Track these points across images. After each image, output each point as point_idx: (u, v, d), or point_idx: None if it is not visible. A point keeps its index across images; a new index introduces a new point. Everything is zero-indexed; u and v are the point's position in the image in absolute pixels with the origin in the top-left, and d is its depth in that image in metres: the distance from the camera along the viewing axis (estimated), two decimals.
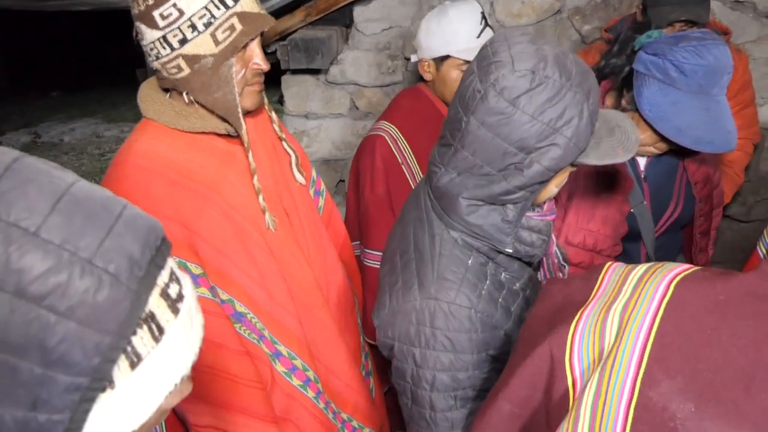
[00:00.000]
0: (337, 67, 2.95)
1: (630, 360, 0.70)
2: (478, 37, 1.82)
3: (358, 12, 2.88)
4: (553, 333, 0.79)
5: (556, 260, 1.30)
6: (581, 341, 0.76)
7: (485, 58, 0.97)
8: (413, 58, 1.99)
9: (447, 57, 1.84)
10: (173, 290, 0.61)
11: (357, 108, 3.07)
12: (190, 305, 0.62)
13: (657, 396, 0.67)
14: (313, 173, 1.66)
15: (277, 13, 2.77)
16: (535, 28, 2.83)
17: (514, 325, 1.10)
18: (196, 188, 1.29)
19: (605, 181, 1.56)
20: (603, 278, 0.82)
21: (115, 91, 8.85)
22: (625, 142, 1.02)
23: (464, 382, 1.07)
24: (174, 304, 0.60)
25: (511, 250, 1.06)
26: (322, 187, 1.69)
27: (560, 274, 1.33)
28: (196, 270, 1.26)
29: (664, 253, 1.73)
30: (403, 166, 1.89)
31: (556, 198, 1.60)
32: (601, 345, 0.74)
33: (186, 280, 0.64)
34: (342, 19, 2.88)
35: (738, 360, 0.66)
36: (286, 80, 3.01)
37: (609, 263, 0.87)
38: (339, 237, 1.74)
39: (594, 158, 1.00)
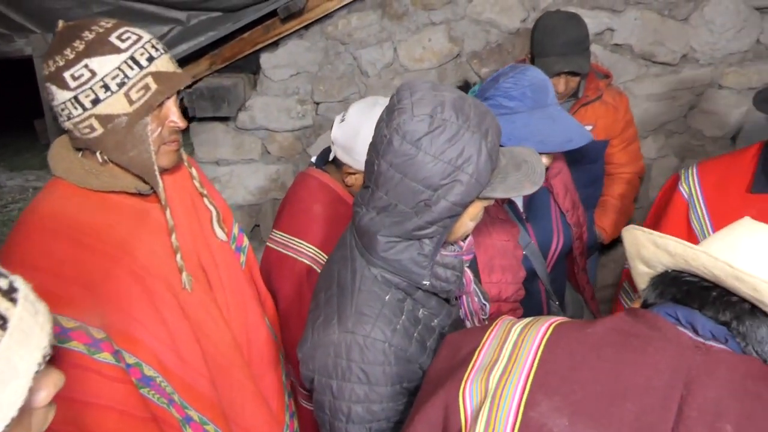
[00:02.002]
0: (246, 114, 2.95)
1: (516, 388, 0.81)
2: None
3: (265, 59, 2.91)
4: (450, 380, 0.89)
5: (476, 299, 1.35)
6: (472, 384, 0.86)
7: (391, 106, 1.06)
8: (333, 152, 1.72)
9: None
10: (3, 283, 0.65)
11: (269, 153, 3.07)
12: (26, 294, 0.66)
13: (537, 415, 0.78)
14: (235, 229, 1.63)
15: (183, 62, 2.75)
16: (438, 71, 2.96)
17: (429, 359, 1.15)
18: (104, 249, 1.25)
19: (496, 232, 1.64)
20: (492, 330, 0.93)
21: (17, 138, 8.39)
22: (531, 176, 1.11)
23: (379, 414, 1.11)
24: (8, 294, 0.64)
25: (427, 283, 1.12)
26: (245, 242, 1.66)
27: (481, 314, 1.38)
28: (99, 334, 1.22)
29: (557, 285, 1.82)
30: None
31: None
32: (487, 385, 0.84)
33: (13, 276, 0.68)
34: (249, 66, 2.90)
35: (603, 379, 0.78)
36: (194, 128, 2.98)
37: (499, 318, 0.96)
38: (261, 294, 1.72)
39: (501, 192, 1.08)
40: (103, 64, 1.18)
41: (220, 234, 1.49)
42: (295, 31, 2.84)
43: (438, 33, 2.88)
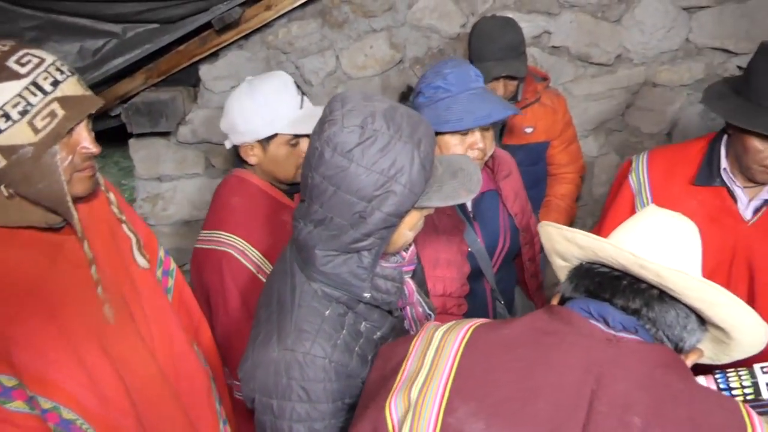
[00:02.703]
0: (186, 127, 2.88)
1: (436, 396, 0.82)
2: (301, 107, 1.73)
3: (205, 71, 2.85)
4: (379, 393, 0.90)
5: (420, 309, 1.34)
6: (397, 396, 0.86)
7: (323, 118, 1.06)
8: (227, 144, 1.80)
9: (274, 136, 1.70)
10: None
11: (213, 166, 3.01)
12: None
13: (454, 421, 0.79)
14: (161, 253, 1.57)
15: (117, 76, 2.67)
16: (381, 78, 2.96)
17: None
18: (13, 289, 1.18)
19: (442, 227, 1.65)
20: (417, 338, 0.93)
21: None
22: (467, 183, 1.11)
23: None
24: None
25: (368, 295, 1.11)
26: (172, 266, 1.60)
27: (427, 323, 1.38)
28: (9, 382, 1.14)
29: (504, 285, 1.84)
30: (259, 275, 1.71)
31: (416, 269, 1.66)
32: (410, 394, 0.85)
33: None
34: (187, 79, 2.83)
35: (518, 380, 0.80)
36: (134, 144, 2.89)
37: (425, 325, 0.97)
38: (193, 318, 1.66)
39: (437, 200, 1.08)
40: (2, 92, 1.10)
41: (142, 262, 1.43)
42: (234, 42, 2.79)
43: (379, 40, 2.88)
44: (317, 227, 1.07)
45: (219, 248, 1.71)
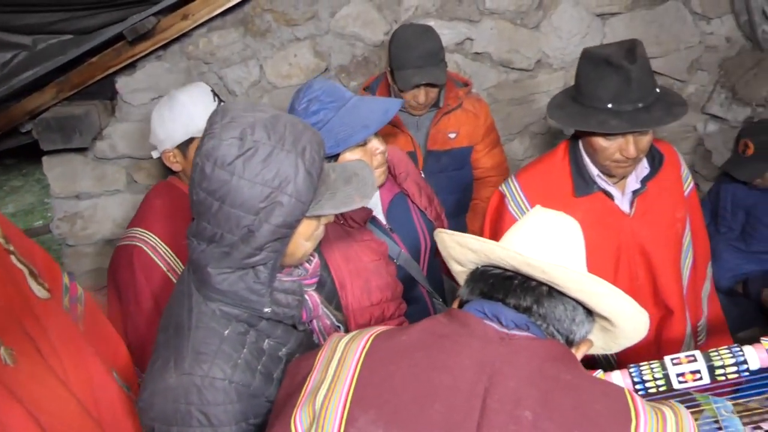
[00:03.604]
0: (104, 142, 2.76)
1: (338, 407, 0.82)
2: None
3: (122, 83, 2.74)
4: (285, 409, 0.89)
5: (328, 322, 1.32)
6: (302, 410, 0.86)
7: (204, 132, 1.03)
8: (154, 155, 1.87)
9: (191, 140, 1.76)
10: None
11: (135, 182, 2.89)
12: None
13: (355, 431, 0.79)
14: (65, 279, 1.48)
15: (26, 90, 2.52)
16: None
17: (276, 390, 1.10)
18: None
19: (365, 255, 1.62)
20: (322, 350, 0.93)
21: None
22: (361, 188, 1.10)
23: None
24: None
25: (269, 310, 1.08)
26: (79, 291, 1.51)
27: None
28: None
29: (435, 282, 1.83)
30: (169, 274, 1.73)
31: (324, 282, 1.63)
32: (314, 407, 0.84)
33: None
34: (103, 92, 2.72)
35: (415, 385, 0.81)
36: (47, 162, 2.75)
37: (330, 336, 0.96)
38: (109, 343, 1.58)
39: (330, 208, 1.07)
40: None
41: (41, 293, 1.35)
42: (152, 53, 2.70)
43: (303, 48, 2.85)
44: (209, 245, 1.04)
45: (131, 243, 1.74)
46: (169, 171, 1.88)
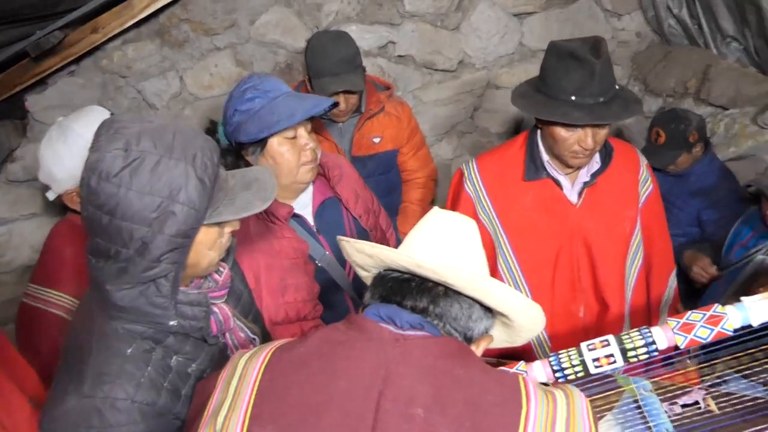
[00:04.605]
0: (17, 164, 2.63)
1: (237, 425, 0.81)
2: None
3: (33, 101, 2.62)
4: (191, 430, 0.88)
5: (242, 335, 1.29)
6: (204, 429, 0.85)
7: (90, 146, 0.99)
8: (50, 196, 1.69)
9: None
10: None
11: (54, 204, 2.76)
12: None
13: None
14: None
15: None
16: None
17: (185, 407, 1.08)
18: None
19: (283, 252, 1.61)
20: (225, 369, 0.91)
21: None
22: (261, 193, 1.09)
23: None
24: None
25: (174, 323, 1.06)
26: None
27: (251, 347, 1.33)
28: None
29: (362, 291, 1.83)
30: None
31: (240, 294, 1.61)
32: (215, 428, 0.83)
33: None
34: (12, 111, 2.58)
35: (311, 395, 0.80)
36: None
37: (234, 354, 0.94)
38: (20, 367, 1.50)
39: (229, 214, 1.05)
40: None
41: None
42: (63, 68, 2.59)
43: (224, 58, 2.80)
44: (106, 261, 1.01)
45: (50, 310, 1.61)
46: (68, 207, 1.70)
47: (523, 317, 0.96)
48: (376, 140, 2.31)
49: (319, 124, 2.26)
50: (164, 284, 1.02)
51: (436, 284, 0.90)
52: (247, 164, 1.55)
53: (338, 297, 1.78)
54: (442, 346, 0.85)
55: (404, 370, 0.81)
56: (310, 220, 1.68)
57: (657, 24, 3.21)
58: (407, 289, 0.90)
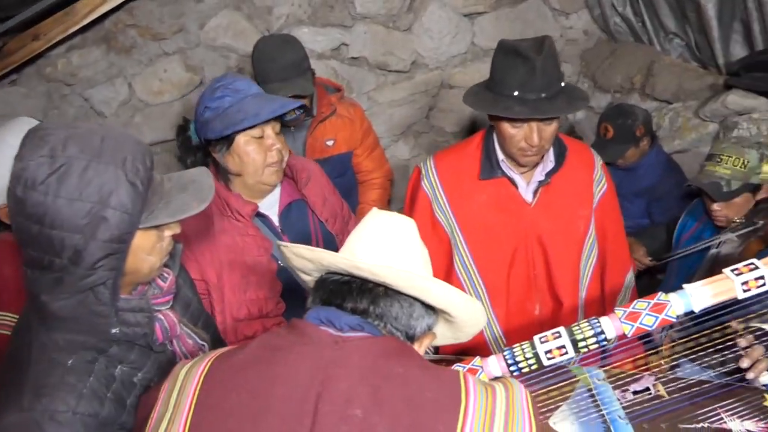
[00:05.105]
0: None
1: None
2: None
3: None
4: None
5: (190, 341, 1.27)
6: None
7: (15, 155, 0.97)
8: None
9: None
10: None
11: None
12: None
13: None
14: None
15: None
16: (182, 102, 2.84)
17: (131, 417, 1.06)
18: None
19: (246, 249, 1.61)
20: (166, 381, 0.90)
21: None
22: (198, 194, 1.08)
23: None
24: None
25: (116, 331, 1.04)
26: None
27: (200, 354, 1.31)
28: None
29: None
30: None
31: (207, 280, 1.59)
32: None
33: None
34: None
35: (249, 402, 0.80)
36: None
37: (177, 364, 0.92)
38: None
39: (165, 216, 1.04)
40: None
41: None
42: (4, 77, 2.50)
43: (173, 63, 2.76)
44: (42, 272, 0.98)
45: None
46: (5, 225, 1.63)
47: (464, 313, 0.97)
48: (330, 143, 2.30)
49: None
50: (103, 292, 1.00)
51: (377, 285, 0.91)
52: (215, 162, 1.57)
53: (300, 297, 1.77)
54: (382, 345, 0.85)
55: (342, 372, 0.80)
56: (276, 220, 1.67)
57: (603, 22, 3.30)
58: (347, 291, 0.90)
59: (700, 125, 2.60)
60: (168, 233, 1.08)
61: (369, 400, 0.78)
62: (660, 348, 1.72)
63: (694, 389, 1.31)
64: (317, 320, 0.88)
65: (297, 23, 2.84)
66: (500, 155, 1.66)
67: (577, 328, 1.24)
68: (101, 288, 0.99)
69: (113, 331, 1.03)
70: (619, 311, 1.23)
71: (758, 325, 1.35)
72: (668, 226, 2.32)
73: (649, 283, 2.34)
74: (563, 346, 1.23)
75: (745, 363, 1.28)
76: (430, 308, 0.95)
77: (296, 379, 0.80)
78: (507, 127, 1.55)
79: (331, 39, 2.91)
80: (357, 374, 0.80)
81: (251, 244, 1.61)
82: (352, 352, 0.83)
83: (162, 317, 1.14)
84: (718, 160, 1.94)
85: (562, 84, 1.55)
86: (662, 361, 1.60)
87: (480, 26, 3.17)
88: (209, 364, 0.86)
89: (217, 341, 1.42)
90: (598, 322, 1.23)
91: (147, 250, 1.05)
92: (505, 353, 1.27)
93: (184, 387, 0.84)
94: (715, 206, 1.94)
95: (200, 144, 1.57)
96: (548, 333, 1.25)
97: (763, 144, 1.96)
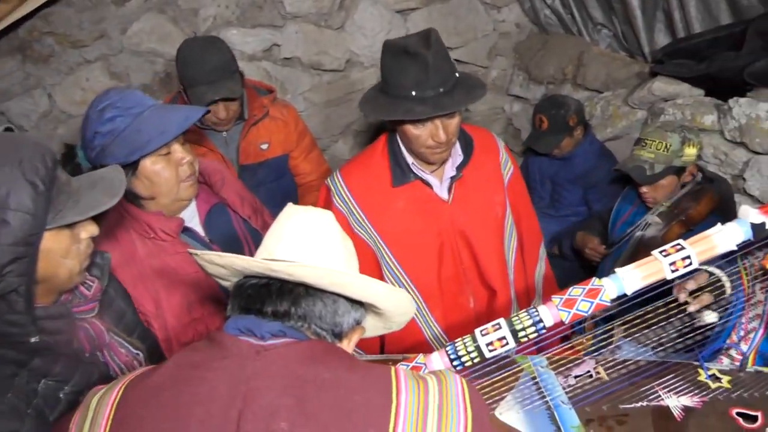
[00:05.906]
0: None
1: None
2: None
3: None
4: None
5: (123, 351, 1.21)
6: None
7: None
8: None
9: None
10: None
11: None
12: None
13: None
14: None
15: None
16: None
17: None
18: None
19: (181, 272, 1.54)
20: (80, 407, 0.86)
21: None
22: (109, 190, 1.06)
23: None
24: None
25: (36, 339, 0.99)
26: None
27: (135, 363, 1.25)
28: None
29: None
30: None
31: (145, 312, 1.51)
32: None
33: None
34: None
35: (166, 427, 0.75)
36: None
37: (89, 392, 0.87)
38: None
39: (75, 215, 1.00)
40: None
41: None
42: None
43: (96, 71, 2.63)
44: None
45: None
46: None
47: (390, 304, 0.94)
48: (264, 147, 2.24)
49: (201, 135, 2.16)
50: (16, 299, 0.94)
51: (297, 285, 0.86)
52: None
53: None
54: (306, 351, 0.81)
55: (264, 384, 0.76)
56: (201, 231, 1.60)
57: (534, 14, 3.36)
58: (266, 295, 0.86)
59: (629, 112, 2.68)
60: (84, 234, 1.03)
61: (294, 411, 0.74)
62: (582, 326, 1.76)
63: (632, 370, 1.34)
64: (236, 330, 0.83)
65: (225, 25, 2.76)
66: (409, 159, 1.62)
67: (516, 318, 1.24)
68: (14, 295, 0.94)
69: (33, 340, 0.98)
70: (556, 299, 1.24)
71: (712, 269, 1.39)
72: (601, 215, 2.37)
73: (587, 270, 2.39)
74: (504, 337, 1.23)
75: (691, 308, 1.32)
76: (356, 302, 0.92)
77: (215, 398, 0.75)
78: (410, 129, 1.51)
79: (262, 40, 2.84)
80: (280, 385, 0.76)
81: (183, 261, 1.53)
82: (275, 361, 0.78)
83: (87, 326, 1.10)
84: (643, 144, 2.00)
85: (456, 75, 1.53)
86: (584, 339, 1.62)
87: (413, 22, 3.17)
88: (122, 390, 0.81)
89: (154, 353, 1.35)
90: (536, 311, 1.23)
91: (61, 252, 1.01)
92: (448, 348, 1.25)
93: (96, 416, 0.79)
94: (643, 189, 2.00)
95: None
96: (489, 325, 1.25)
97: (685, 128, 2.03)
